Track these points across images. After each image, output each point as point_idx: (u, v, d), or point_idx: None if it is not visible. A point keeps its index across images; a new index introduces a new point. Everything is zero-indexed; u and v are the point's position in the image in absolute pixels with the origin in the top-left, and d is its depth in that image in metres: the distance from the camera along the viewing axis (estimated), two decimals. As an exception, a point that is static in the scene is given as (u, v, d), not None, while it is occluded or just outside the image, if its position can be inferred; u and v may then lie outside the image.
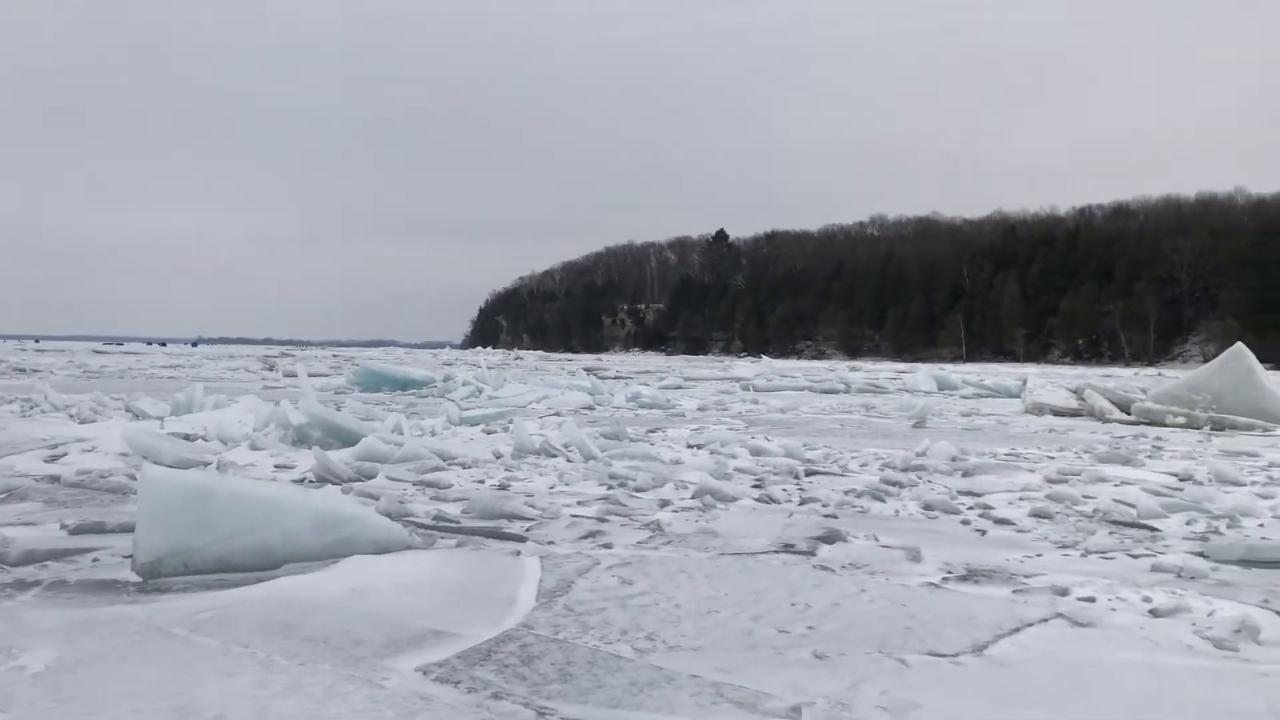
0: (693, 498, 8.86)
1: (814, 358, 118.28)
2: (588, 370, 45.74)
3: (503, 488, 9.51)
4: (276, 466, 10.80)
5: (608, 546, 6.77)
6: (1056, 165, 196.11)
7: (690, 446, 13.49)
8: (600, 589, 5.51)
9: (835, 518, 8.08)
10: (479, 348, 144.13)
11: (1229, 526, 7.93)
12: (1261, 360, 21.15)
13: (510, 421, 15.67)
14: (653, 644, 4.54)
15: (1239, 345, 21.47)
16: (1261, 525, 8.08)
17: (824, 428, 18.11)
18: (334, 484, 9.54)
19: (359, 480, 9.83)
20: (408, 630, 4.66)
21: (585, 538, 7.07)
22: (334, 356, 76.70)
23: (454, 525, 7.38)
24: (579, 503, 8.61)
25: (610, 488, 9.49)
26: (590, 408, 22.19)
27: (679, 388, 33.49)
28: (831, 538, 7.05)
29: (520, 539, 6.93)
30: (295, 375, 37.53)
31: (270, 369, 47.78)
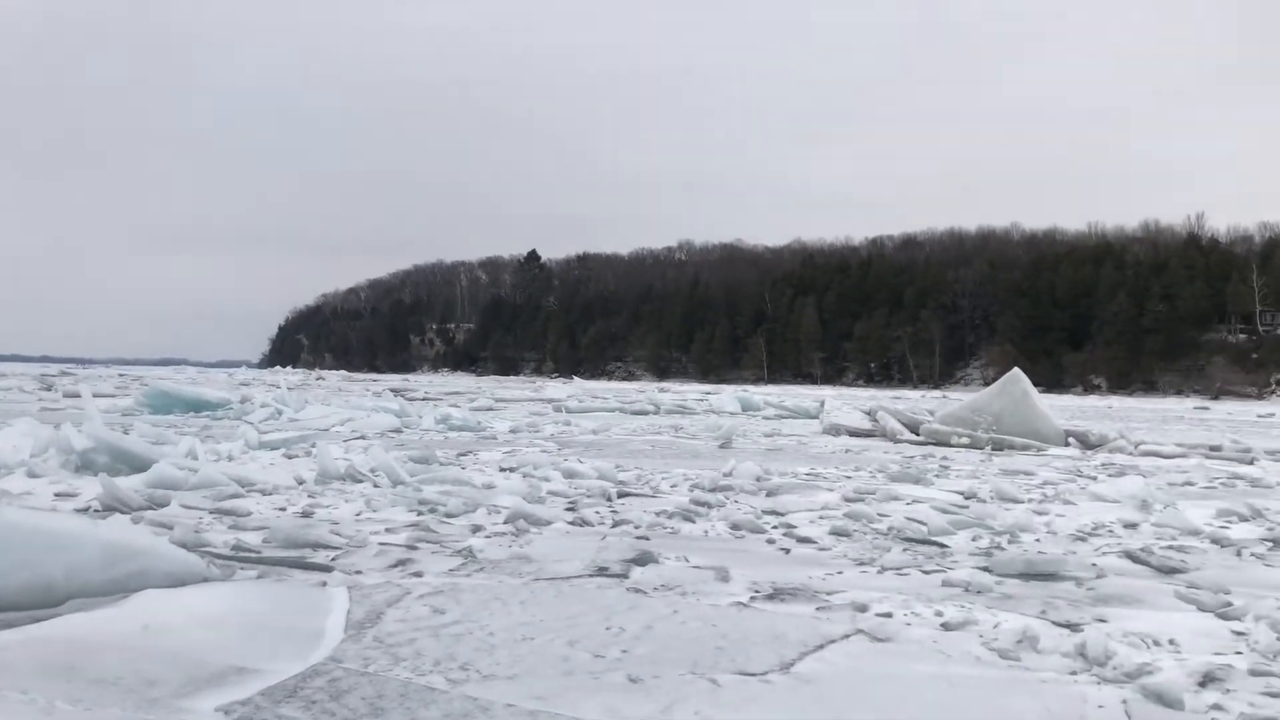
0: (505, 522, 8.80)
1: (625, 379, 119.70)
2: (394, 391, 44.72)
3: (306, 515, 9.17)
4: (57, 495, 10.07)
5: (418, 575, 6.63)
6: (851, 198, 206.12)
7: (502, 470, 13.39)
8: (411, 619, 5.39)
9: (647, 539, 8.19)
10: (278, 367, 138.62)
11: (1010, 542, 8.49)
12: (1035, 383, 22.83)
13: (313, 445, 15.13)
14: (467, 674, 4.47)
15: (1015, 370, 23.08)
16: (1038, 540, 8.68)
17: (635, 449, 18.34)
18: (123, 513, 8.97)
19: (150, 509, 9.26)
20: (207, 668, 4.43)
21: (394, 566, 6.90)
22: (120, 376, 72.36)
23: (254, 555, 7.07)
24: (387, 530, 8.40)
25: (420, 514, 9.31)
26: (398, 430, 21.71)
27: (490, 409, 33.24)
28: (644, 560, 7.13)
29: (326, 569, 6.71)
30: (78, 395, 35.03)
31: (48, 389, 44.50)
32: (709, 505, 10.21)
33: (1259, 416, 49.80)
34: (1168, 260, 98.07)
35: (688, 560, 7.27)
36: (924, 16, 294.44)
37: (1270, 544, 8.69)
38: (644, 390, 63.13)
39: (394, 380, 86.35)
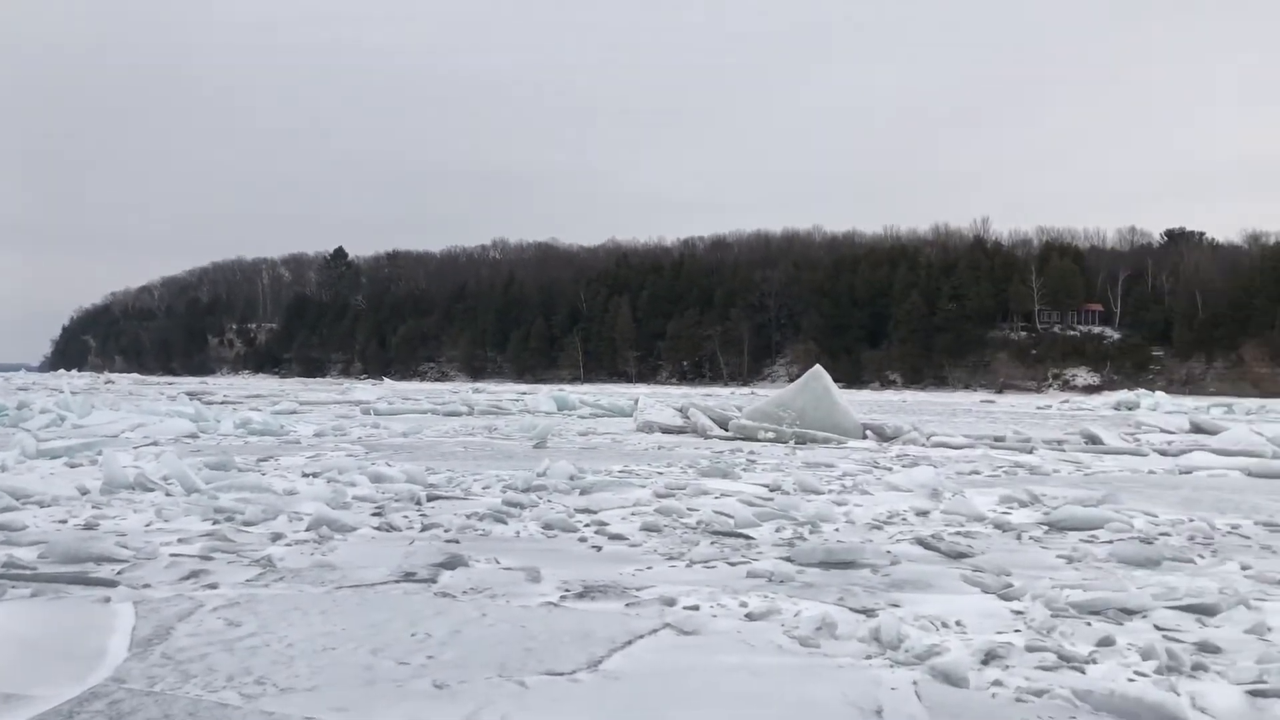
0: (308, 529, 8.49)
1: (437, 379, 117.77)
2: (191, 395, 42.57)
3: (89, 528, 8.59)
4: None
5: (213, 586, 6.31)
6: (663, 199, 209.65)
7: (306, 475, 12.93)
8: (204, 633, 5.12)
9: (457, 542, 8.06)
10: (62, 370, 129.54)
11: (812, 532, 8.80)
12: (836, 379, 23.79)
13: (99, 453, 14.20)
14: (262, 688, 4.28)
15: (817, 367, 24.01)
16: (837, 530, 9.04)
17: (447, 451, 18.05)
18: (-127, 532, 8.16)
19: (-94, 526, 8.47)
20: (-33, 699, 4.07)
21: (187, 578, 6.55)
22: (-124, 381, 65.95)
23: (29, 573, 6.56)
24: (180, 540, 7.96)
25: (216, 522, 8.87)
26: (193, 436, 20.64)
27: (294, 413, 32.05)
28: (453, 563, 7.02)
29: (110, 584, 6.29)
30: None
31: None
32: (521, 506, 10.14)
33: (1038, 409, 53.54)
34: (957, 262, 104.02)
35: (498, 562, 7.20)
36: (735, 25, 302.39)
37: (1046, 527, 9.33)
38: (457, 391, 62.35)
39: (190, 383, 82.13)
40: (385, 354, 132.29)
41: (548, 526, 8.93)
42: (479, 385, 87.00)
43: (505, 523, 9.20)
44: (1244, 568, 7.38)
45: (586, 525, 9.07)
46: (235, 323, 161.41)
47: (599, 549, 7.98)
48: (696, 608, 5.79)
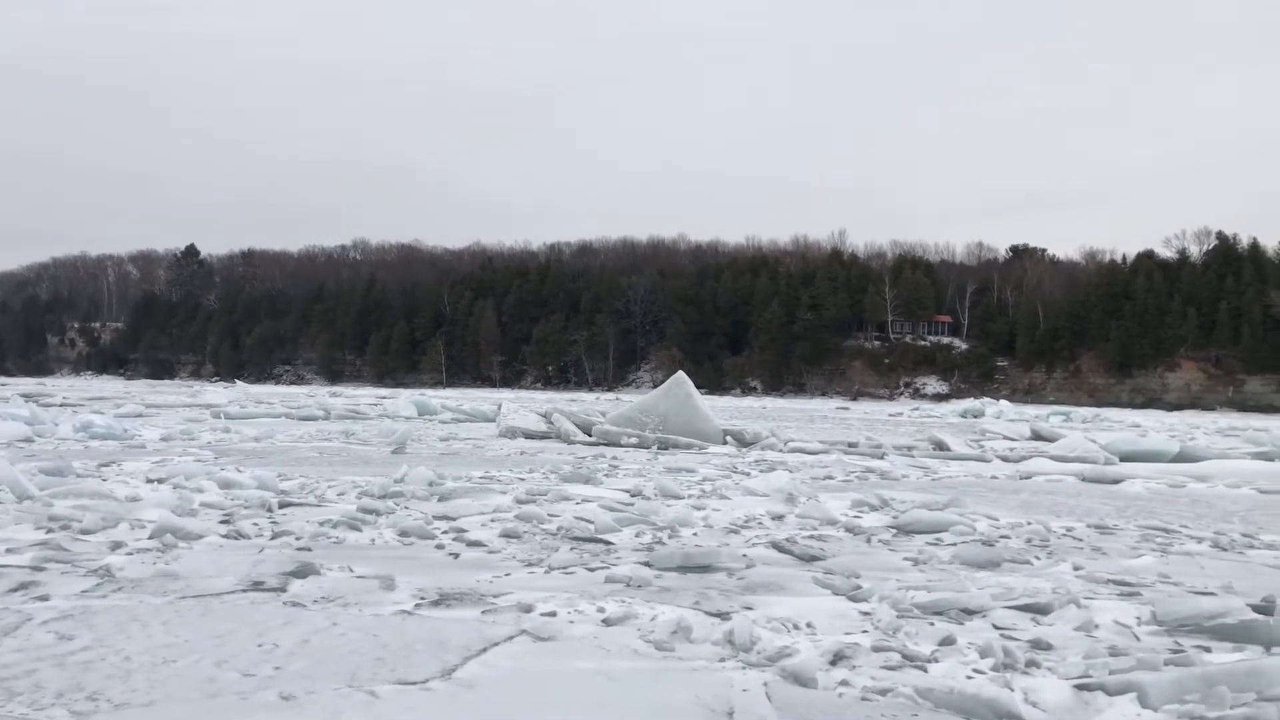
0: (150, 538, 8.13)
1: (293, 383, 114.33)
2: (26, 397, 40.21)
3: (-93, 538, 8.04)
4: None
5: (44, 599, 5.99)
6: (529, 203, 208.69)
7: (150, 481, 12.39)
8: (32, 648, 4.85)
9: (309, 550, 7.85)
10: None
11: (670, 536, 8.89)
12: (699, 385, 24.12)
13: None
14: (95, 704, 4.08)
15: (680, 374, 24.29)
16: (695, 534, 9.15)
17: (301, 456, 17.56)
18: None
19: None
20: None
21: (15, 590, 6.19)
22: None
23: None
24: (8, 550, 7.53)
25: (50, 531, 8.42)
26: (28, 440, 19.54)
27: (140, 416, 30.70)
28: (304, 571, 6.83)
29: (-72, 598, 5.90)
30: None
31: None
32: (377, 513, 9.94)
33: (890, 416, 55.35)
34: (815, 272, 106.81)
35: (352, 570, 7.04)
36: (604, 30, 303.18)
37: (895, 531, 9.65)
38: (314, 394, 60.77)
39: (27, 384, 77.71)
40: (239, 356, 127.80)
41: (404, 534, 8.78)
42: (337, 389, 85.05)
43: (360, 530, 9.00)
44: (1076, 568, 7.79)
45: (445, 532, 8.95)
46: (78, 321, 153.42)
47: (457, 556, 7.89)
48: (554, 614, 5.78)
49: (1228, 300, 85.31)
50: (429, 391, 70.90)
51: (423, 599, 6.19)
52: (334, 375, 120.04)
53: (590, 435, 22.97)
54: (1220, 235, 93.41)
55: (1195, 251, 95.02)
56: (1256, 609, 6.05)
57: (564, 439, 23.16)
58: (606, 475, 14.54)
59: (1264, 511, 12.29)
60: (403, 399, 41.87)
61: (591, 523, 9.24)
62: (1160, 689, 4.46)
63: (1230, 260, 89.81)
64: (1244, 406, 79.47)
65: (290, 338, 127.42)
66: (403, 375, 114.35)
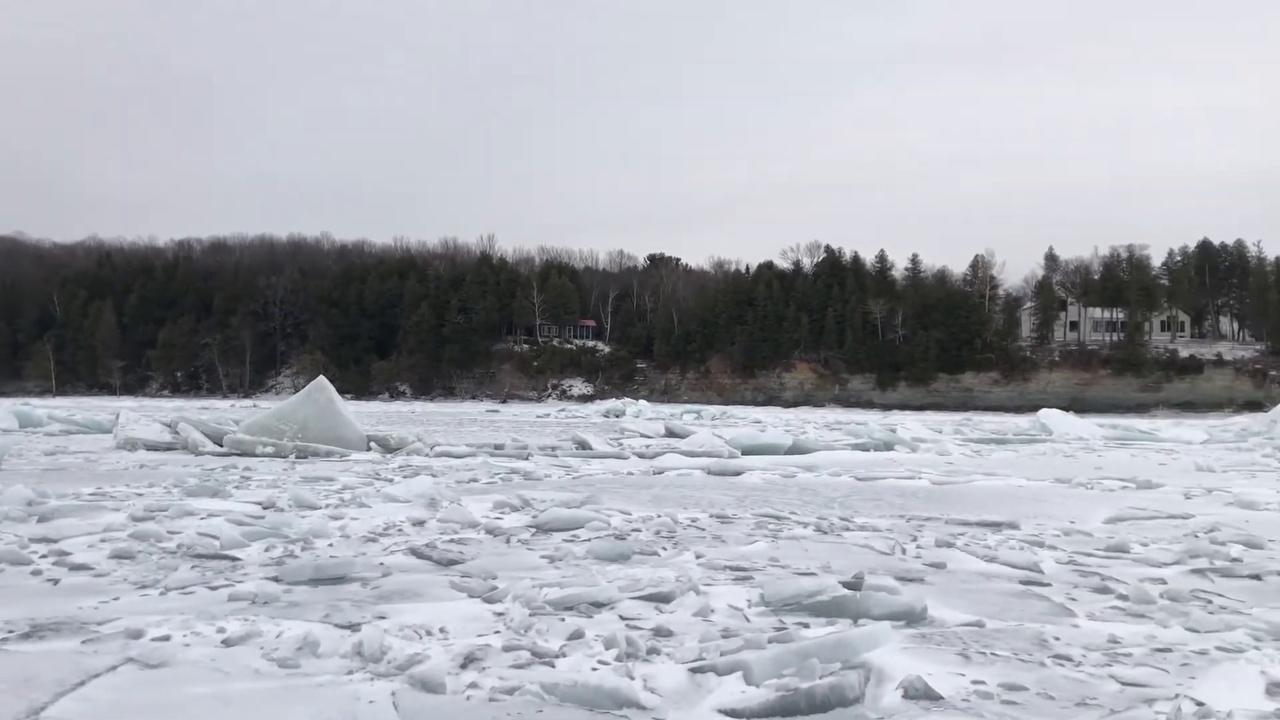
0: None
1: None
2: None
3: None
4: None
5: None
6: (154, 196, 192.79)
7: None
8: None
9: None
10: None
11: (304, 549, 8.53)
12: (344, 390, 23.39)
13: None
14: None
15: (320, 378, 23.44)
16: (331, 545, 8.85)
17: None
18: None
19: None
20: None
21: None
22: None
23: None
24: None
25: None
26: None
27: None
28: None
29: None
30: None
31: None
32: (-40, 538, 8.78)
33: (538, 417, 56.46)
34: (465, 275, 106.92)
35: (-78, 606, 6.17)
36: (241, 26, 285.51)
37: (534, 530, 9.84)
38: (-113, 406, 52.67)
39: None
40: None
41: (-7, 561, 7.82)
42: (-82, 399, 74.19)
43: (-63, 559, 7.91)
44: (698, 556, 8.32)
45: (43, 556, 8.06)
46: None
47: (56, 582, 7.13)
48: (167, 638, 5.38)
49: (834, 308, 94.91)
50: (35, 401, 63.66)
51: (10, 633, 5.53)
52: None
53: (222, 445, 21.60)
54: (828, 249, 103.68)
55: (808, 263, 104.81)
56: (847, 585, 6.75)
57: (192, 450, 21.61)
58: (237, 487, 13.74)
59: (859, 497, 13.75)
60: (1, 409, 37.30)
61: (217, 538, 8.68)
62: (762, 666, 4.86)
63: (836, 271, 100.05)
64: (848, 402, 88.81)
65: None
66: (3, 383, 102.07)
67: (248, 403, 72.92)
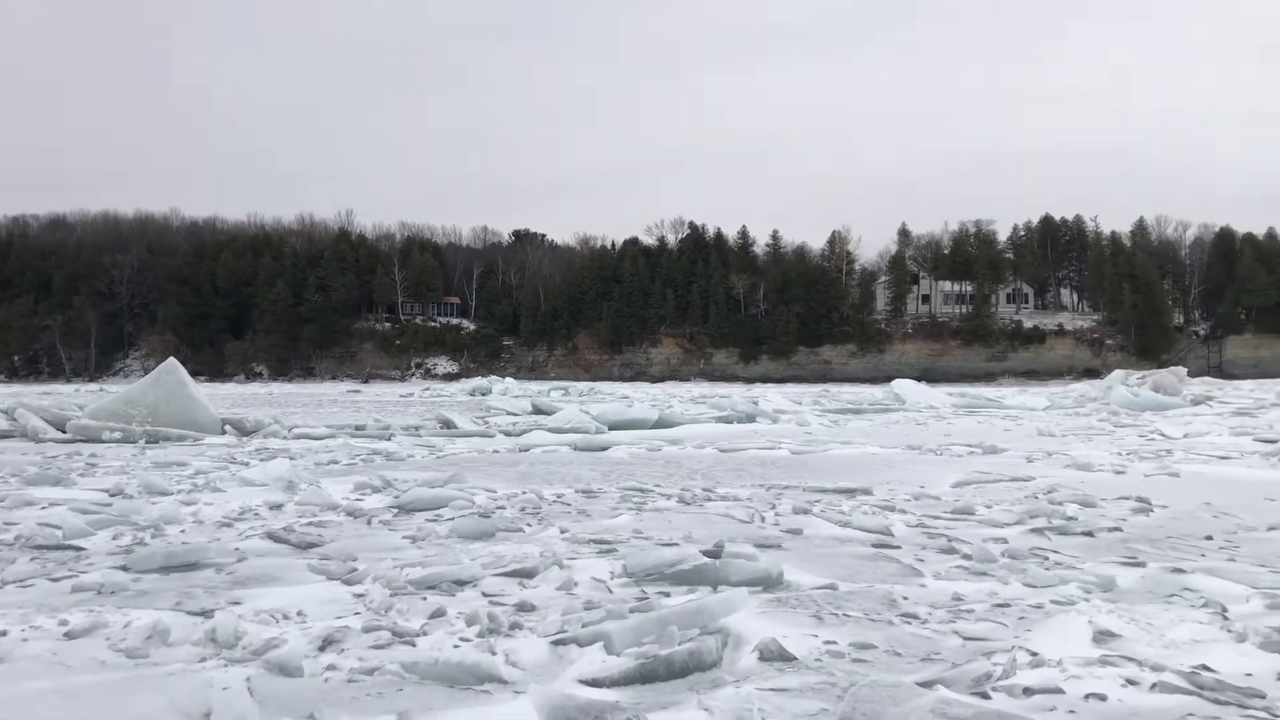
0: None
1: None
2: None
3: None
4: None
5: None
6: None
7: None
8: None
9: None
10: None
11: (154, 536, 8.24)
12: (197, 372, 22.58)
13: None
14: None
15: (171, 360, 22.56)
16: (183, 531, 8.58)
17: None
18: None
19: None
20: None
21: None
22: None
23: None
24: None
25: None
26: None
27: None
28: None
29: None
30: None
31: None
32: None
33: (401, 396, 55.65)
34: (322, 253, 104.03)
35: None
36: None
37: (396, 510, 9.73)
38: None
39: None
40: None
41: None
42: None
43: None
44: (563, 531, 8.36)
45: None
46: None
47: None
48: (3, 633, 5.14)
49: (698, 283, 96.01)
50: None
51: None
52: None
53: (65, 432, 20.59)
54: (692, 225, 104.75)
55: (672, 239, 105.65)
56: (708, 554, 6.91)
57: (31, 437, 20.54)
58: (82, 475, 13.15)
59: (722, 467, 14.04)
60: None
61: (59, 528, 8.30)
62: (623, 635, 4.94)
63: (700, 248, 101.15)
64: (712, 376, 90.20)
65: None
66: None
67: (94, 387, 69.51)
